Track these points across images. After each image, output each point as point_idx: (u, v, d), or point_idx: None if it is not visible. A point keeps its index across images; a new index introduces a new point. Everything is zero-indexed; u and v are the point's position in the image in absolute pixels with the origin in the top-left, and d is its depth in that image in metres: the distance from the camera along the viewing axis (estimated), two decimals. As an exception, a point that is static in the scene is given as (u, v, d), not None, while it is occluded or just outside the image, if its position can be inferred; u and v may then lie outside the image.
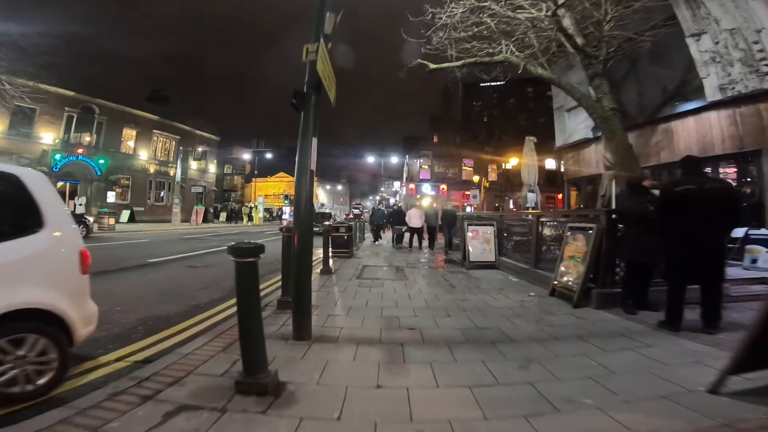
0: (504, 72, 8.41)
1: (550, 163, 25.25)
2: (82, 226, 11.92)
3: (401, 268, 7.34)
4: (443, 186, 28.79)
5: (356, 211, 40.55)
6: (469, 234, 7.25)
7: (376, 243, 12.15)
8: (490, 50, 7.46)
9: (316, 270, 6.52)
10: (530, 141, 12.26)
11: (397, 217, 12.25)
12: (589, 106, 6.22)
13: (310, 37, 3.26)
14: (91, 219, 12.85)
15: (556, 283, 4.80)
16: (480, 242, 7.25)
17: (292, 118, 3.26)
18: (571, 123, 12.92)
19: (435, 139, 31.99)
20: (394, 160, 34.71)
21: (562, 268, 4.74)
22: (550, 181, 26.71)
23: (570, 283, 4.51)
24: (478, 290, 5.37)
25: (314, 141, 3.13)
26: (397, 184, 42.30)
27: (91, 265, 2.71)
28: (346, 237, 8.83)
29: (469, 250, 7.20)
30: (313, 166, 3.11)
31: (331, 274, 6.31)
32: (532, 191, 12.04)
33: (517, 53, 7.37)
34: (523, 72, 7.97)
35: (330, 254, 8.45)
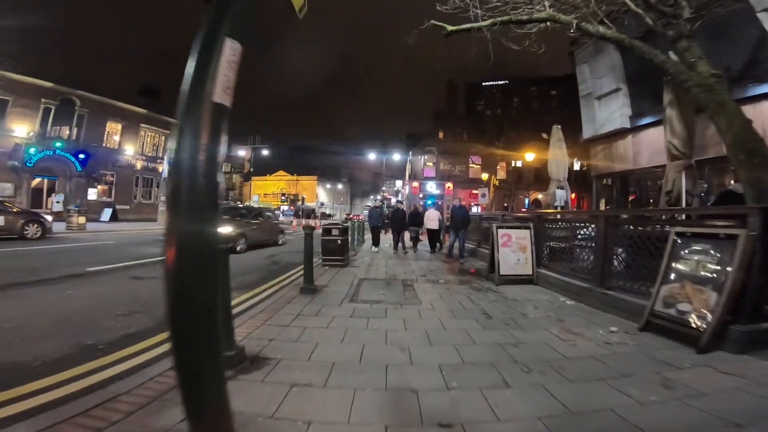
0: (539, 42, 6.70)
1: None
2: (36, 225, 10.27)
3: (409, 283, 5.62)
4: (449, 184, 26.99)
5: (366, 212, 41.81)
6: (500, 240, 5.53)
7: (375, 249, 10.35)
8: (529, 7, 5.80)
9: (297, 288, 4.83)
10: (558, 130, 10.53)
11: (413, 218, 10.95)
12: (680, 72, 4.58)
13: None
14: (50, 218, 11.12)
15: (657, 313, 3.12)
16: (513, 250, 5.53)
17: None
18: (602, 112, 11.22)
19: (440, 135, 30.03)
20: (397, 157, 32.86)
21: (669, 293, 3.06)
22: (562, 178, 24.97)
23: (690, 315, 2.83)
24: (527, 322, 3.65)
25: (231, 46, 1.04)
26: (399, 183, 40.75)
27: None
28: (339, 242, 7.10)
29: (499, 261, 5.49)
30: (226, 100, 1.03)
31: (316, 294, 4.60)
32: (562, 188, 10.30)
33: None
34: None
35: (319, 263, 6.87)
